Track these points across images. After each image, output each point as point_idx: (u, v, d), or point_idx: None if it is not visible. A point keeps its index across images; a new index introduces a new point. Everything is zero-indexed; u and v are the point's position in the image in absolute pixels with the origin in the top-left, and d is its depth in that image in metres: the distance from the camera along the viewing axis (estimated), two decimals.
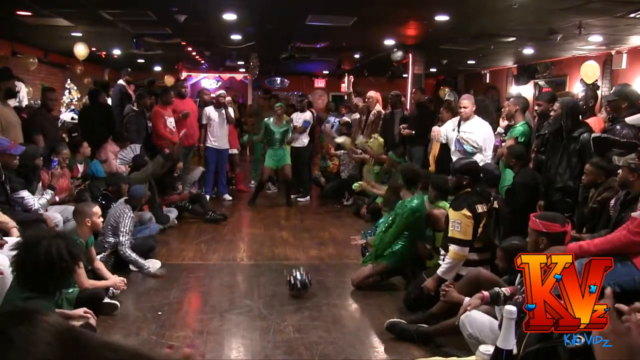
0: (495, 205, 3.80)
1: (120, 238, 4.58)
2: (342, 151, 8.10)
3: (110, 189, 5.42)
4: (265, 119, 7.65)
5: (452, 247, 3.63)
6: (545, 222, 2.84)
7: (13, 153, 4.36)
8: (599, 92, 7.91)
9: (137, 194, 5.08)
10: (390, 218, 4.48)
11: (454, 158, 5.35)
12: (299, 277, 4.12)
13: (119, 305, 3.78)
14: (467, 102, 5.37)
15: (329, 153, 8.43)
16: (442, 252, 3.85)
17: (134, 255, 4.58)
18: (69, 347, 0.78)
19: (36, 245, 2.39)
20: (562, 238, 2.83)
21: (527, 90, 10.59)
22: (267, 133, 7.52)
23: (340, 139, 7.98)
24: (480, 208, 3.66)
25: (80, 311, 3.08)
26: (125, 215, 4.67)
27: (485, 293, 2.96)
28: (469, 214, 3.60)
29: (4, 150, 4.31)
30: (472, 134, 5.24)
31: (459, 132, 5.38)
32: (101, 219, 3.97)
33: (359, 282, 4.39)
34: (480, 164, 4.89)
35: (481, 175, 3.96)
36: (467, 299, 3.06)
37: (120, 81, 8.49)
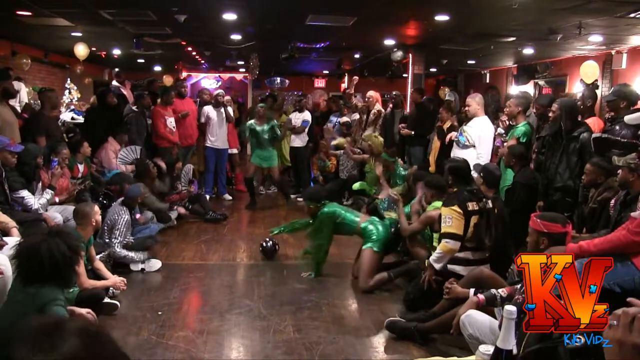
0: (489, 205, 3.81)
1: (112, 240, 4.59)
2: (340, 151, 8.09)
3: (112, 188, 5.42)
4: (247, 122, 7.50)
5: (444, 241, 3.66)
6: (546, 222, 2.84)
7: (12, 150, 4.36)
8: (598, 92, 7.91)
9: (134, 193, 5.06)
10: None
11: (453, 152, 5.39)
12: (267, 244, 5.17)
13: (118, 305, 3.78)
14: (469, 101, 5.42)
15: (327, 153, 8.41)
16: None
17: (124, 252, 4.59)
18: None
19: (37, 250, 2.40)
20: (563, 239, 2.83)
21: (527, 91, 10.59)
22: (252, 135, 7.36)
23: (335, 140, 7.96)
24: (471, 206, 3.69)
25: (83, 311, 3.08)
26: (120, 217, 4.67)
27: (481, 296, 2.97)
28: (459, 210, 3.64)
29: (4, 147, 4.31)
30: (470, 129, 5.28)
31: (465, 124, 5.45)
32: (100, 217, 3.99)
33: (368, 287, 4.31)
34: (476, 161, 4.92)
35: (472, 174, 3.98)
36: (471, 290, 3.08)
37: (114, 82, 8.50)
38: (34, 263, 2.41)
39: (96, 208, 3.94)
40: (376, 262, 4.45)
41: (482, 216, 3.73)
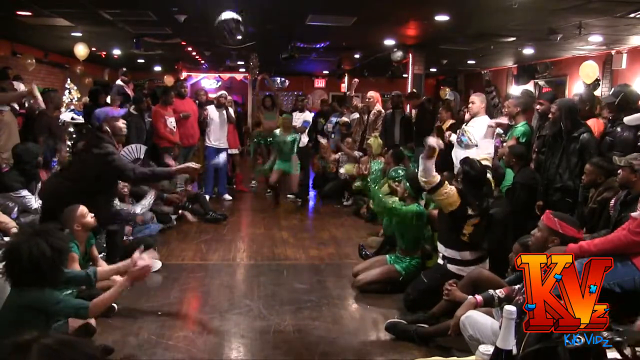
0: (490, 209, 3.80)
1: (136, 210, 4.76)
2: (340, 154, 8.08)
3: None
4: (275, 131, 7.39)
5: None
6: (564, 223, 2.86)
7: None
8: (598, 92, 7.90)
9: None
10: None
11: (455, 152, 5.38)
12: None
13: (115, 307, 3.74)
14: (474, 98, 5.41)
15: (329, 161, 8.37)
16: (440, 246, 3.87)
17: (138, 207, 4.79)
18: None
19: (17, 251, 2.37)
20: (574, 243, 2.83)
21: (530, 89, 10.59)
22: (276, 144, 7.31)
23: (342, 169, 7.72)
24: (470, 210, 3.66)
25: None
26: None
27: (479, 297, 2.97)
28: (459, 200, 3.65)
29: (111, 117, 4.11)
30: (472, 128, 5.28)
31: (466, 124, 5.43)
32: (91, 215, 3.72)
33: (363, 284, 4.27)
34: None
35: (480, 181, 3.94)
36: (470, 297, 3.07)
37: (118, 81, 8.50)
38: (16, 264, 2.38)
39: (80, 210, 3.62)
40: (389, 277, 4.29)
41: (482, 219, 3.72)
